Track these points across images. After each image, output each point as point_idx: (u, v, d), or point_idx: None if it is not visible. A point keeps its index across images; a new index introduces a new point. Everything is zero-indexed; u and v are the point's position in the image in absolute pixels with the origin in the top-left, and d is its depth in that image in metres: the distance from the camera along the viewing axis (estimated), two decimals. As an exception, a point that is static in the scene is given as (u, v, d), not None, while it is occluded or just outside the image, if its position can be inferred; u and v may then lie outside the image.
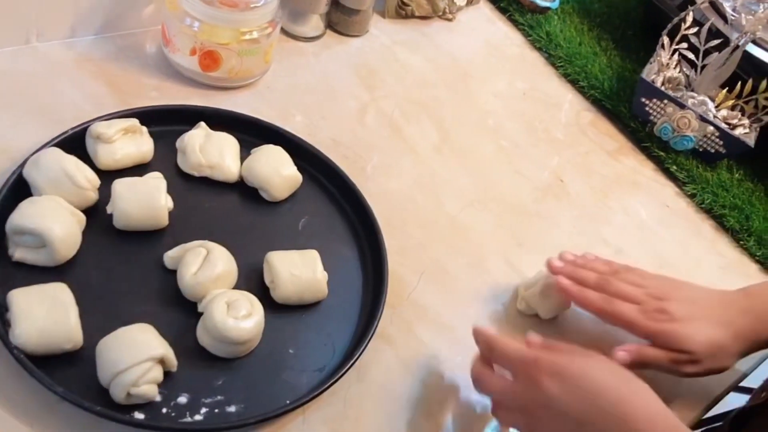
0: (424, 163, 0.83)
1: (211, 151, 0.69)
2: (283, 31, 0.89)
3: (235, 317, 0.57)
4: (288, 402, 0.57)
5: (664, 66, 0.97)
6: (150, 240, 0.64)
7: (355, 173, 0.78)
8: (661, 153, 0.94)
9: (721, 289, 0.69)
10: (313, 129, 0.81)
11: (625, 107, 0.98)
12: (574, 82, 1.01)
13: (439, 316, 0.69)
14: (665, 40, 0.96)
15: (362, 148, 0.81)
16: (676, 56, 0.97)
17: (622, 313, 0.65)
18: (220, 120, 0.73)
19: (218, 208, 0.68)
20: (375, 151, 0.82)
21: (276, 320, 0.62)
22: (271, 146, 0.71)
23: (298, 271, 0.62)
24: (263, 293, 0.63)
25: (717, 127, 0.92)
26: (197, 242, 0.62)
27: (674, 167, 0.94)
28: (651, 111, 0.95)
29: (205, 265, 0.60)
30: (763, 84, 0.93)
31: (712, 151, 0.94)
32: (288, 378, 0.59)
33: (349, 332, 0.64)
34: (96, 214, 0.63)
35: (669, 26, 0.94)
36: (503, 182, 0.85)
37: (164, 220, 0.64)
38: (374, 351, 0.64)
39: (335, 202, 0.73)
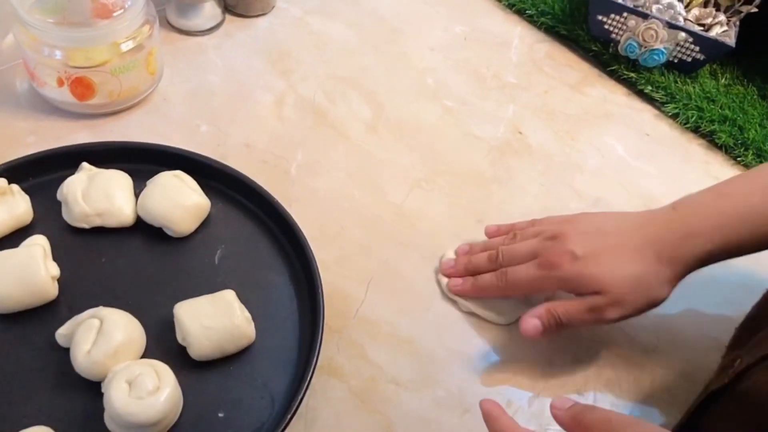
0: (357, 149, 0.72)
1: (95, 197, 0.59)
2: (174, 29, 0.78)
3: (138, 397, 0.48)
4: (225, 478, 0.49)
5: (618, -27, 0.83)
6: (40, 317, 0.55)
7: (277, 179, 0.68)
8: (632, 74, 0.82)
9: (641, 211, 0.58)
10: (222, 137, 0.70)
11: (583, 29, 0.85)
12: (521, 13, 0.89)
13: (395, 329, 0.60)
14: (614, -59, 0.82)
15: (283, 147, 0.71)
16: (630, -42, 0.84)
17: (518, 279, 0.56)
18: (106, 155, 0.63)
19: (117, 261, 0.59)
20: (299, 148, 0.71)
21: (199, 381, 0.53)
22: (165, 174, 0.61)
23: (210, 321, 0.53)
24: (181, 352, 0.54)
25: (689, 32, 0.79)
26: (88, 312, 0.53)
27: (649, 88, 0.81)
28: (611, 29, 0.82)
29: (99, 340, 0.51)
30: (735, -31, 0.80)
31: (689, 60, 0.81)
32: (222, 448, 0.51)
33: (288, 375, 0.55)
34: (-29, 302, 0.55)
35: (614, -75, 0.81)
36: (453, 150, 0.74)
37: (51, 292, 0.55)
38: (321, 390, 0.56)
39: (256, 222, 0.63)
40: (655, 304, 0.55)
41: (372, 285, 0.62)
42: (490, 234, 0.64)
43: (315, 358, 0.54)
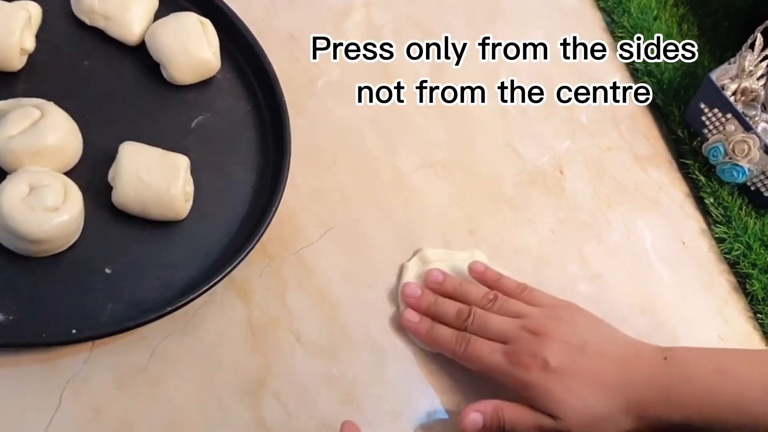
0: (395, 101, 0.66)
1: (112, -1, 0.54)
2: None
3: (32, 207, 0.44)
4: (73, 332, 0.44)
5: (744, 72, 0.75)
6: (-9, 82, 0.50)
7: (300, 83, 0.62)
8: (702, 177, 0.75)
9: (638, 340, 0.52)
10: (272, 15, 0.65)
11: (679, 110, 0.77)
12: (630, 63, 0.81)
13: (326, 287, 0.54)
14: (758, 39, 0.74)
15: (325, 57, 0.65)
16: (765, 64, 0.76)
17: (480, 357, 0.50)
18: (148, -33, 0.58)
19: (97, 70, 0.54)
20: (341, 67, 0.65)
21: (104, 229, 0.49)
22: (192, 15, 0.56)
23: (148, 176, 0.48)
24: (105, 191, 0.49)
25: (782, 168, 0.71)
26: (36, 100, 0.48)
27: (711, 200, 0.74)
28: (707, 122, 0.74)
29: (29, 131, 0.46)
30: None
31: (767, 194, 0.73)
32: (89, 303, 0.46)
33: (196, 269, 0.50)
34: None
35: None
36: (486, 153, 0.68)
37: (14, 61, 0.50)
38: (221, 303, 0.50)
39: (254, 110, 0.58)
40: None
41: (330, 234, 0.57)
42: (475, 274, 0.56)
43: (231, 268, 0.49)
